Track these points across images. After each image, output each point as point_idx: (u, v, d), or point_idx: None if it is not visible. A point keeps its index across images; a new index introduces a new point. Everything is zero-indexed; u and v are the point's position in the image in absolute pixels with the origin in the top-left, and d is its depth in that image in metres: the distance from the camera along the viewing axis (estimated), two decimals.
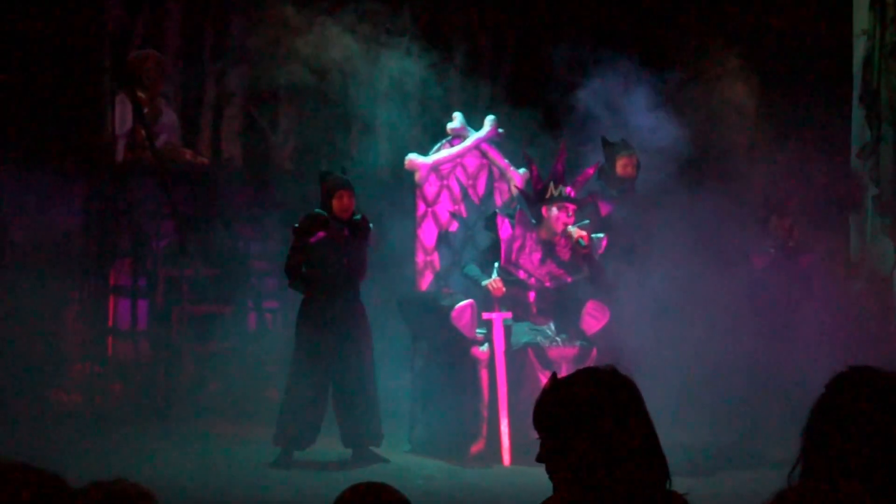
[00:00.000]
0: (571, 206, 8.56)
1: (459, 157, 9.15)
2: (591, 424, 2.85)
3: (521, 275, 8.61)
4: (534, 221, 8.65)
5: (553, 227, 8.56)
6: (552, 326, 8.59)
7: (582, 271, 8.66)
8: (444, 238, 9.07)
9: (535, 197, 8.62)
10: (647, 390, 3.00)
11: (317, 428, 8.25)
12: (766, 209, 9.54)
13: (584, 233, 8.57)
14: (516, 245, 8.59)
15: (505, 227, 8.61)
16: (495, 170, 9.26)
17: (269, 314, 10.83)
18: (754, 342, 8.96)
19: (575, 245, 8.56)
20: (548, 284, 8.67)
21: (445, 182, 9.12)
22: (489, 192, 9.23)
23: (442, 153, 9.13)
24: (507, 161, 9.27)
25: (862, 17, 10.63)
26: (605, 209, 9.24)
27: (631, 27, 11.36)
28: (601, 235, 8.77)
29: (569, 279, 8.66)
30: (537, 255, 8.61)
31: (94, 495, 2.70)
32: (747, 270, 9.26)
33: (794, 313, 9.13)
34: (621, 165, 9.40)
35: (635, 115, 9.35)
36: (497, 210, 8.84)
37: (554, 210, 8.55)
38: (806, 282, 9.41)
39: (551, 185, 8.50)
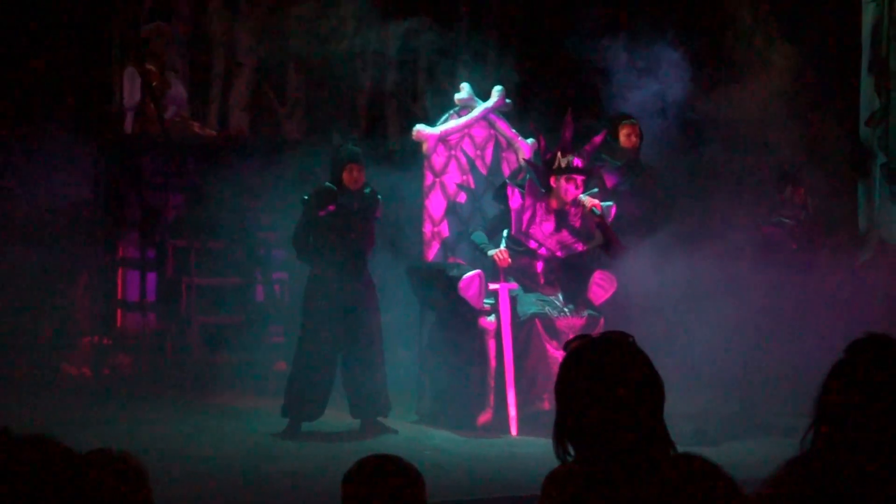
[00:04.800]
0: (580, 177, 8.49)
1: (467, 127, 9.09)
2: (606, 391, 2.88)
3: (532, 244, 8.56)
4: (543, 191, 8.58)
5: (563, 197, 8.50)
6: (560, 297, 8.55)
7: (594, 239, 8.61)
8: (451, 209, 9.03)
9: (543, 167, 8.55)
10: (654, 360, 3.00)
11: (325, 399, 8.25)
12: (780, 179, 9.49)
13: (596, 201, 8.51)
14: (527, 215, 8.54)
15: (515, 198, 8.56)
16: (503, 140, 9.20)
17: (278, 286, 10.79)
18: (762, 313, 8.91)
19: (588, 213, 8.50)
20: (559, 254, 8.61)
21: (453, 153, 9.06)
22: (497, 163, 9.18)
23: (450, 124, 9.06)
24: (514, 131, 9.21)
25: None
26: (610, 181, 9.18)
27: None
28: (610, 203, 8.72)
29: (580, 247, 8.62)
30: (548, 225, 8.56)
31: (86, 466, 2.71)
32: (756, 241, 9.20)
33: (805, 284, 9.09)
34: (624, 135, 9.30)
35: (642, 79, 9.31)
36: (507, 180, 8.77)
37: (562, 181, 8.48)
38: (816, 253, 9.35)
39: (559, 155, 8.43)
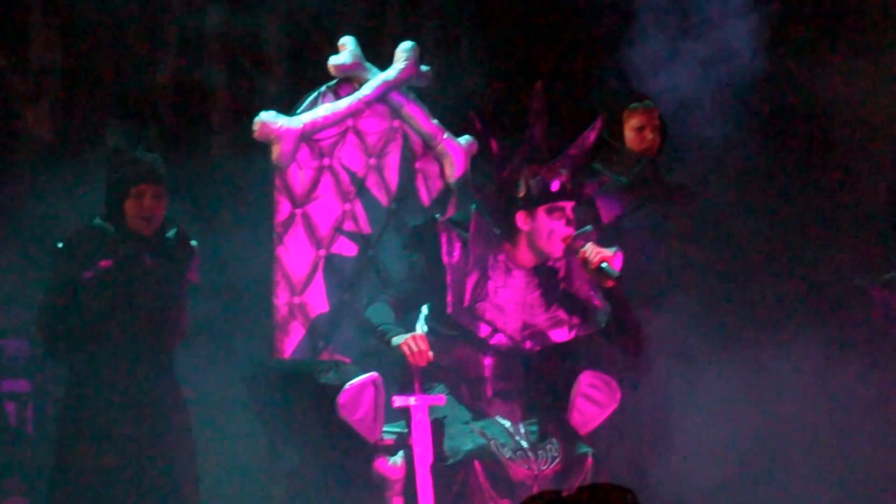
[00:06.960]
0: (569, 205, 7.92)
1: (352, 116, 8.70)
2: None
3: (483, 330, 8.01)
4: (497, 232, 8.02)
5: (544, 247, 7.92)
6: (521, 422, 8.08)
7: (594, 319, 8.10)
8: (326, 263, 8.69)
9: (500, 193, 8.01)
10: None
11: None
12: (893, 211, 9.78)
13: (609, 253, 7.92)
14: (471, 280, 7.97)
15: (453, 248, 8.02)
16: (415, 138, 8.83)
17: (14, 404, 10.63)
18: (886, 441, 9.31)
19: (595, 275, 7.92)
20: (526, 345, 8.07)
21: (327, 162, 8.68)
22: (407, 180, 8.86)
23: (320, 110, 8.64)
24: (436, 123, 8.80)
25: None
26: (608, 211, 9.13)
27: None
28: (613, 250, 8.17)
29: (565, 335, 8.09)
30: (508, 293, 8.03)
31: None
32: (864, 313, 9.43)
33: None
34: (633, 128, 9.29)
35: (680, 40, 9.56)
36: (437, 217, 8.23)
37: (542, 217, 7.91)
38: None
39: (527, 171, 7.94)
